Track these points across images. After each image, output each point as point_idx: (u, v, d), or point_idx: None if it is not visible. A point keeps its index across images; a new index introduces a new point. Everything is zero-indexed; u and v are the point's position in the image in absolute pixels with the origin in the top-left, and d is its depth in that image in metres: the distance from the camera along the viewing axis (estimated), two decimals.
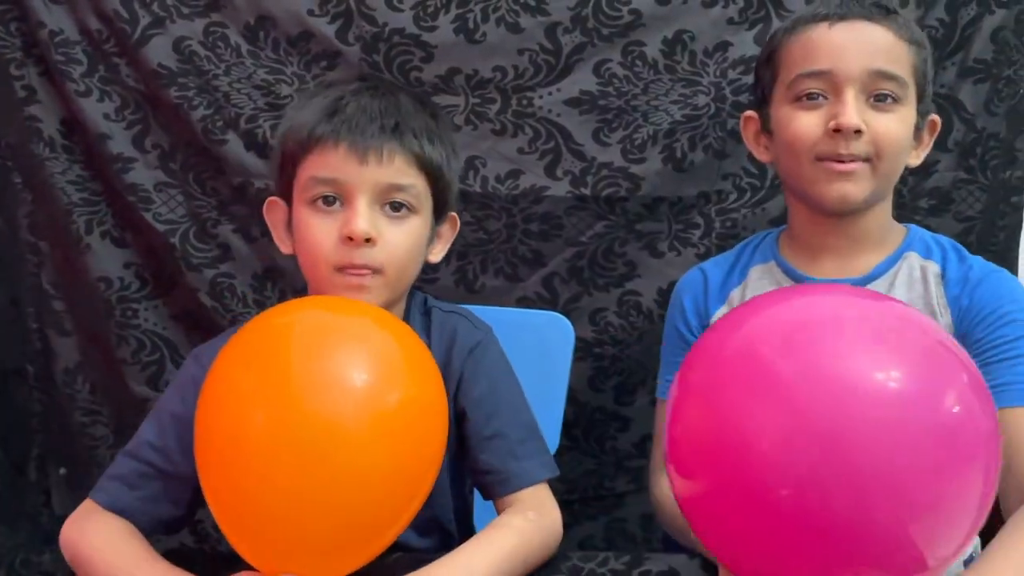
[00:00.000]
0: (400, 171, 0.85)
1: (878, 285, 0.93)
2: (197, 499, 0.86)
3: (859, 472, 0.60)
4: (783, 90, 0.93)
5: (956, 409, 0.63)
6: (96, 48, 1.24)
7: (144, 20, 1.23)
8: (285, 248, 0.91)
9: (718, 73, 1.25)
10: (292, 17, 1.24)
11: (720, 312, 1.00)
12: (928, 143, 0.96)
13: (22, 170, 1.28)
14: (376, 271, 0.84)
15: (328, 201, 0.85)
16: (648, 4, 1.24)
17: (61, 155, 1.27)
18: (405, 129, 0.86)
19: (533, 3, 1.24)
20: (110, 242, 1.29)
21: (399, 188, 0.85)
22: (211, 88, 1.25)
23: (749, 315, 0.72)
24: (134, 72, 1.25)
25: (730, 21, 1.24)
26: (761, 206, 1.27)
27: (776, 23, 1.23)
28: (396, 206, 0.86)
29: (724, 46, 1.25)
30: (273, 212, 0.92)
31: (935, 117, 0.96)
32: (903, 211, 1.26)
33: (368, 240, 0.83)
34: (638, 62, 1.25)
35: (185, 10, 1.24)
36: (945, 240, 0.97)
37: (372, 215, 0.84)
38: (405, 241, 0.86)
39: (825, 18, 0.91)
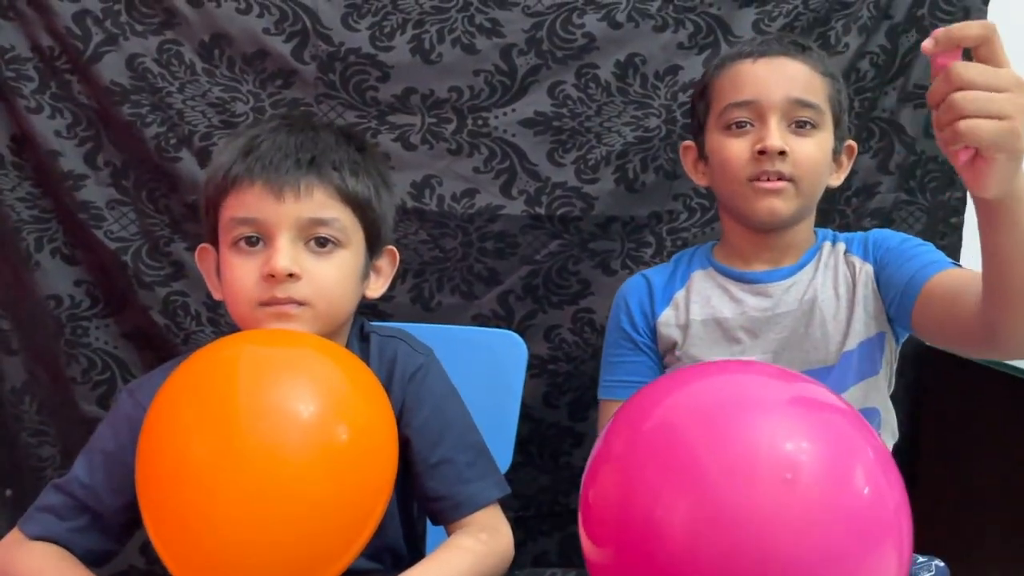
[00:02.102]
0: (321, 205, 0.84)
1: (807, 271, 1.00)
2: (128, 532, 0.86)
3: (770, 562, 0.59)
4: (715, 119, 1.00)
5: (866, 491, 0.62)
6: (48, 65, 1.23)
7: (97, 37, 1.22)
8: (217, 295, 0.89)
9: (669, 96, 1.28)
10: (248, 35, 1.24)
11: (666, 314, 1.04)
12: (847, 166, 1.04)
13: None
14: (301, 304, 0.82)
15: (251, 242, 0.83)
16: (601, 28, 1.26)
17: (11, 172, 1.25)
18: (323, 162, 0.85)
19: (489, 25, 1.26)
20: (61, 260, 1.27)
21: (322, 223, 0.84)
22: (165, 105, 1.24)
23: (674, 387, 0.72)
24: (86, 89, 1.24)
25: (680, 46, 1.28)
26: (710, 225, 1.30)
27: (725, 48, 1.26)
28: (321, 241, 0.84)
29: (675, 70, 1.28)
30: (204, 259, 0.90)
31: (852, 143, 1.04)
32: (847, 231, 1.30)
33: (291, 275, 0.81)
34: (591, 84, 1.27)
35: (139, 27, 1.24)
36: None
37: (295, 251, 0.82)
38: (332, 275, 0.84)
39: (749, 55, 0.99)
